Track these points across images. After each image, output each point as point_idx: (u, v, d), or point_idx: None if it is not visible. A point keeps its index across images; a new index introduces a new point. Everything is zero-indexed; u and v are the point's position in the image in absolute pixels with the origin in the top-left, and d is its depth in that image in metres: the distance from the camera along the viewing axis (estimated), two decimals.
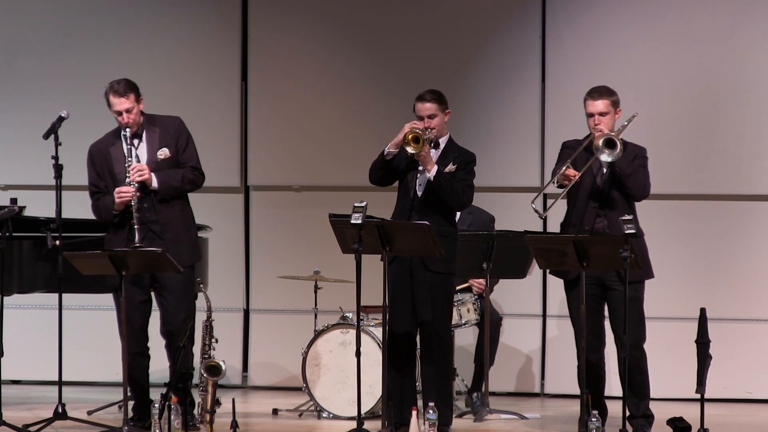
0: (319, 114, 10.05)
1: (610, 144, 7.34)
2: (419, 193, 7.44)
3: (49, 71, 10.15)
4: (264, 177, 10.12)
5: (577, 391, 7.40)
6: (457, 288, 8.42)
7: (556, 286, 8.68)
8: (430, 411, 6.98)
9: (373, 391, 8.09)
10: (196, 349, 7.75)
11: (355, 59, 10.00)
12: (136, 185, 7.53)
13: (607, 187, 7.49)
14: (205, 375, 7.43)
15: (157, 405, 6.87)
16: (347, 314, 8.43)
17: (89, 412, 8.27)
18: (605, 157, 7.35)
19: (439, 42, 9.89)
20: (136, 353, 7.61)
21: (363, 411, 7.40)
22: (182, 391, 6.93)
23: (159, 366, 7.85)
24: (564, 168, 7.46)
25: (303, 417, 8.46)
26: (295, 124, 10.07)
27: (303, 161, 10.06)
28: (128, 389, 7.47)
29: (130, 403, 7.65)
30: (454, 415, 7.84)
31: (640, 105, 8.22)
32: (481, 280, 8.61)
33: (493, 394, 9.05)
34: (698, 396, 7.19)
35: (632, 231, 6.92)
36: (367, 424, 7.31)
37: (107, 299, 7.80)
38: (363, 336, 7.66)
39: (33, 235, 8.19)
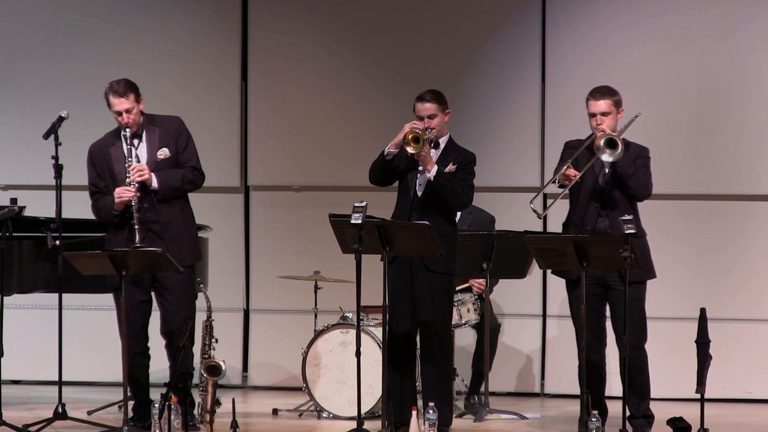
0: (319, 114, 10.04)
1: (611, 144, 7.33)
2: (419, 193, 7.43)
3: (49, 71, 10.14)
4: (264, 177, 10.12)
5: (577, 391, 7.39)
6: (458, 288, 8.41)
7: (556, 286, 8.68)
8: (430, 411, 6.98)
9: (373, 391, 8.08)
10: (196, 349, 7.74)
11: (355, 59, 10.00)
12: (136, 185, 7.52)
13: (609, 187, 7.48)
14: (205, 375, 7.42)
15: (157, 405, 6.87)
16: (347, 314, 8.43)
17: (89, 412, 8.27)
18: (606, 157, 7.35)
19: (439, 42, 9.89)
20: (136, 353, 7.61)
21: (363, 411, 7.40)
22: (182, 391, 6.92)
23: (159, 366, 7.84)
24: (564, 168, 7.45)
25: (303, 417, 8.46)
26: (295, 124, 10.07)
27: (303, 161, 10.05)
28: (128, 389, 7.47)
29: (130, 403, 7.64)
30: (454, 415, 7.83)
31: (640, 105, 8.20)
32: (481, 280, 8.60)
33: (493, 394, 9.04)
34: (698, 396, 7.18)
35: (632, 231, 6.91)
36: (367, 424, 7.31)
37: (107, 299, 7.80)
38: (363, 336, 7.66)
39: (33, 235, 8.18)
